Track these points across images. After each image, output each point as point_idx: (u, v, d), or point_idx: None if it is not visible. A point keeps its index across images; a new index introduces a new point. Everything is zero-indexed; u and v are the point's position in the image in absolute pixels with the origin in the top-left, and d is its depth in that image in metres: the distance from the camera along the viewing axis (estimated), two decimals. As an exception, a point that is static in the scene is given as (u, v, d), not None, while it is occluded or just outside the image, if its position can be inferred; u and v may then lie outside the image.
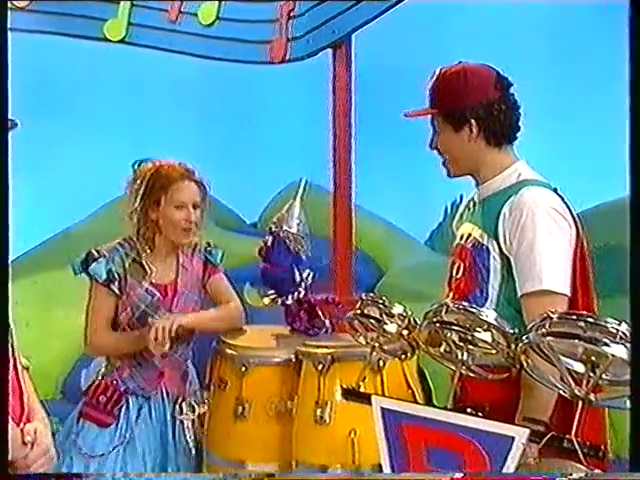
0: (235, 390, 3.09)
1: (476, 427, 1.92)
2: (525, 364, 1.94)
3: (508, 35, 6.43)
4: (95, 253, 3.25)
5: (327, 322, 3.36)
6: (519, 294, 2.55)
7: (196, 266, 3.39)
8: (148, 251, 3.29)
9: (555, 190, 2.63)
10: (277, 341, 3.32)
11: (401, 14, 3.75)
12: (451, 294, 2.74)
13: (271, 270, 3.42)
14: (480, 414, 1.94)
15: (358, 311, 2.35)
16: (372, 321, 2.30)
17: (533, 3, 5.97)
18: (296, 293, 3.41)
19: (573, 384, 1.83)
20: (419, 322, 2.16)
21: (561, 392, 1.90)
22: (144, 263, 3.29)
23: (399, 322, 2.23)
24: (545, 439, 1.82)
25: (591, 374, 1.79)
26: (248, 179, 7.02)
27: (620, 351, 1.72)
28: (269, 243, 3.41)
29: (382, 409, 2.10)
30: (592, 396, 1.81)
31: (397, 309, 2.25)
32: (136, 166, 3.32)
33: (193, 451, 3.29)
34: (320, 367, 2.99)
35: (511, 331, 1.98)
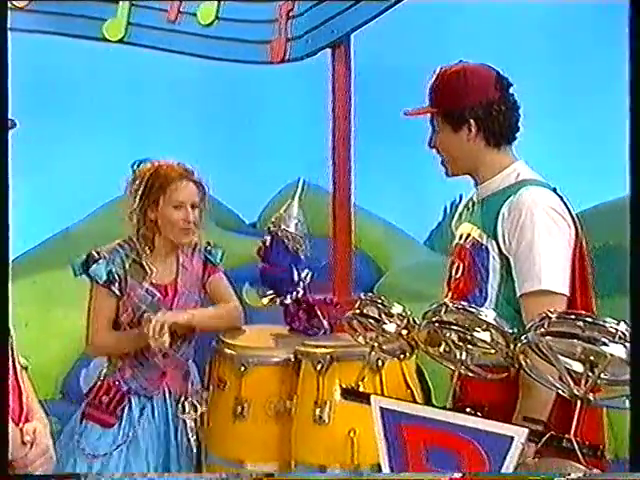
0: (234, 390, 3.09)
1: (475, 427, 1.92)
2: (524, 364, 1.94)
3: (508, 35, 6.43)
4: (95, 254, 3.26)
5: (325, 323, 3.36)
6: (518, 294, 2.55)
7: (196, 266, 3.40)
8: (148, 251, 3.30)
9: (554, 190, 2.63)
10: (276, 341, 3.33)
11: (400, 14, 3.75)
12: (450, 294, 2.74)
13: (270, 270, 3.42)
14: (479, 414, 1.94)
15: (357, 311, 2.34)
16: (371, 321, 2.30)
17: (533, 3, 5.97)
18: (295, 293, 3.41)
19: (572, 384, 1.83)
20: (418, 322, 2.16)
21: (560, 392, 1.90)
22: (144, 264, 3.29)
23: (398, 322, 2.23)
24: (544, 439, 1.82)
25: (590, 374, 1.79)
26: (247, 179, 7.01)
27: (619, 351, 1.72)
28: (267, 243, 3.41)
29: (381, 409, 2.10)
30: (591, 396, 1.81)
31: (396, 309, 2.25)
32: (135, 166, 3.33)
33: (195, 450, 3.30)
34: (319, 367, 2.99)
35: (510, 331, 1.98)
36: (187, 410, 3.28)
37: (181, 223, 3.25)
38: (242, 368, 3.08)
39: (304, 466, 3.00)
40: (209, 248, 3.43)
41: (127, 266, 3.27)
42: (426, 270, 5.58)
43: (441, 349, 2.13)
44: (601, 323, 1.75)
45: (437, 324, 2.07)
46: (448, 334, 2.06)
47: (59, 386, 5.79)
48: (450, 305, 2.06)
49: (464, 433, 1.93)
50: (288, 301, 3.41)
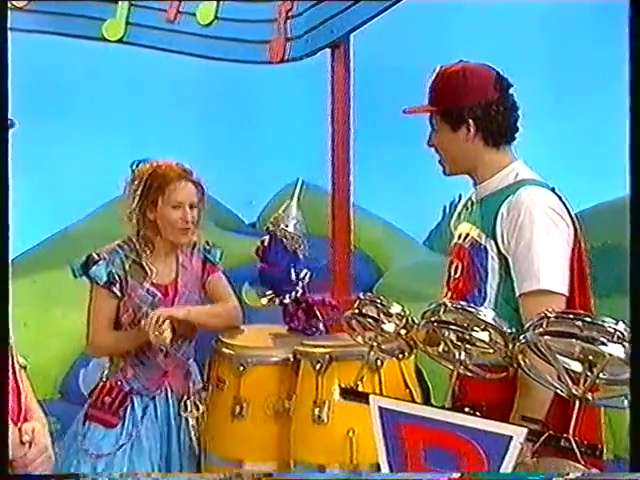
0: (233, 389, 3.09)
1: (474, 426, 1.92)
2: (523, 363, 1.94)
3: (508, 35, 6.43)
4: (95, 256, 3.26)
5: (321, 325, 3.36)
6: (517, 293, 2.55)
7: (195, 265, 3.40)
8: (148, 252, 3.30)
9: (553, 189, 2.63)
10: (275, 341, 3.33)
11: (399, 14, 3.75)
12: (449, 294, 2.74)
13: (268, 270, 3.42)
14: (478, 413, 1.94)
15: (356, 310, 2.34)
16: (370, 320, 2.30)
17: (533, 3, 5.97)
18: (294, 293, 3.41)
19: (570, 383, 1.83)
20: (417, 321, 2.16)
21: (558, 391, 1.90)
22: (144, 264, 3.30)
23: (397, 321, 2.23)
24: (542, 438, 1.83)
25: (588, 373, 1.79)
26: (247, 179, 7.02)
27: (617, 350, 1.72)
28: (266, 243, 3.42)
29: (380, 408, 2.10)
30: (589, 395, 1.81)
31: (395, 308, 2.25)
32: (134, 166, 3.33)
33: (197, 449, 3.30)
34: (318, 366, 2.99)
35: (509, 330, 1.98)
36: (189, 409, 3.29)
37: (180, 223, 3.25)
38: (241, 368, 3.09)
39: (303, 466, 3.00)
40: (208, 247, 3.43)
41: (127, 267, 3.28)
42: (425, 270, 5.58)
43: (440, 349, 2.13)
44: (600, 323, 1.75)
45: (436, 324, 2.07)
46: (447, 334, 2.06)
47: (58, 386, 5.79)
48: (449, 305, 2.06)
49: (463, 433, 1.93)
50: (287, 301, 3.41)
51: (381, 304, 2.28)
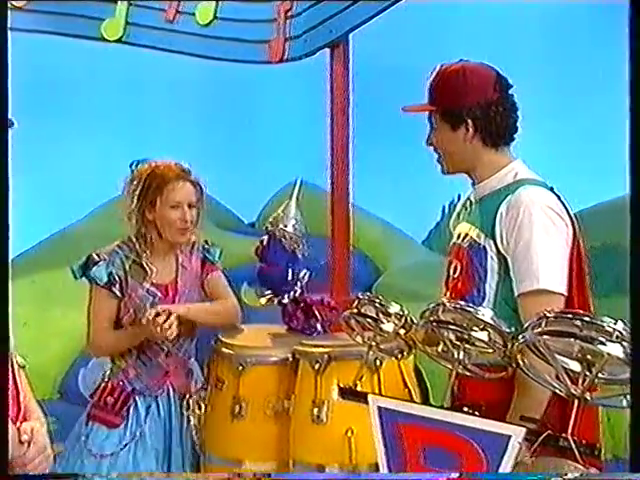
0: (232, 389, 3.09)
1: (473, 426, 1.92)
2: (521, 363, 1.94)
3: (507, 35, 6.43)
4: (95, 257, 3.26)
5: (319, 326, 3.36)
6: (516, 293, 2.55)
7: (195, 264, 3.41)
8: (147, 252, 3.30)
9: (552, 189, 2.63)
10: (274, 340, 3.33)
11: (398, 14, 3.75)
12: (448, 293, 2.74)
13: (267, 270, 3.42)
14: (477, 413, 1.94)
15: (355, 310, 2.34)
16: (369, 320, 2.30)
17: (532, 3, 5.97)
18: (293, 292, 3.41)
19: (569, 383, 1.83)
20: (416, 321, 2.16)
21: (557, 391, 1.90)
22: (144, 264, 3.30)
23: (396, 321, 2.23)
24: (541, 438, 1.83)
25: (587, 373, 1.79)
26: (246, 179, 7.02)
27: (616, 350, 1.72)
28: (265, 243, 3.42)
29: (379, 408, 2.10)
30: (588, 395, 1.81)
31: (394, 308, 2.25)
32: (133, 166, 3.33)
33: (198, 449, 3.30)
34: (317, 366, 2.99)
35: (508, 330, 1.99)
36: (191, 407, 3.30)
37: (178, 223, 3.25)
38: (240, 367, 3.09)
39: (302, 465, 3.00)
40: (207, 247, 3.44)
41: (127, 267, 3.28)
42: (424, 270, 5.58)
43: (439, 348, 2.13)
44: (598, 322, 1.75)
45: (435, 323, 2.07)
46: (446, 333, 2.07)
47: (57, 386, 5.80)
48: (448, 304, 2.06)
49: (462, 432, 1.93)
50: (286, 301, 3.41)
51: (380, 304, 2.28)
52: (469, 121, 2.63)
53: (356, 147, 4.01)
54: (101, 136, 6.95)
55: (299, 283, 3.41)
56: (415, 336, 2.18)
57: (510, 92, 2.68)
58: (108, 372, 3.34)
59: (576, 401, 1.82)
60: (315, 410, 2.95)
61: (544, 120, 5.20)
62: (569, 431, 1.80)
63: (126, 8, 4.37)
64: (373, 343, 2.33)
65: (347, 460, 2.92)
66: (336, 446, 2.93)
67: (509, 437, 1.86)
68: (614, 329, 1.73)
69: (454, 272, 2.73)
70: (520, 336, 1.90)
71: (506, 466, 1.86)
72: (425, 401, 2.93)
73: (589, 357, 1.77)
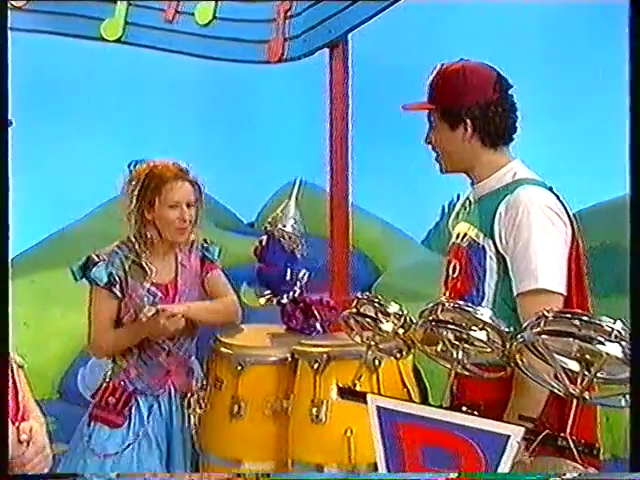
0: (231, 389, 3.09)
1: (472, 426, 1.92)
2: (520, 362, 1.94)
3: (507, 35, 6.43)
4: (95, 257, 3.26)
5: (318, 325, 3.36)
6: (515, 293, 2.55)
7: (194, 263, 3.41)
8: (147, 252, 3.30)
9: (551, 189, 2.63)
10: (273, 340, 3.33)
11: (398, 13, 3.75)
12: (447, 293, 2.74)
13: (266, 270, 3.43)
14: (476, 413, 1.94)
15: (354, 310, 2.35)
16: (368, 320, 2.30)
17: (532, 3, 5.97)
18: (292, 292, 3.41)
19: (568, 382, 1.83)
20: (415, 321, 2.16)
21: (556, 390, 1.90)
22: (144, 264, 3.30)
23: (395, 321, 2.23)
24: (540, 437, 1.83)
25: (586, 372, 1.79)
26: (246, 178, 7.02)
27: (615, 349, 1.72)
28: (264, 242, 3.42)
29: (378, 408, 2.10)
30: (587, 394, 1.81)
31: (393, 308, 2.25)
32: (132, 166, 3.34)
33: (198, 448, 3.31)
34: (316, 366, 2.99)
35: (506, 329, 1.99)
36: (192, 406, 3.30)
37: (177, 222, 3.26)
38: (239, 367, 3.08)
39: (301, 465, 3.00)
40: (206, 245, 3.44)
41: (127, 267, 3.28)
42: (423, 270, 5.58)
43: (438, 348, 2.13)
44: (597, 322, 1.75)
45: (434, 323, 2.07)
46: (445, 333, 2.07)
47: (56, 386, 5.80)
48: (446, 304, 2.07)
49: (461, 432, 1.93)
50: (285, 301, 3.41)
51: (379, 304, 2.28)
52: (468, 121, 2.63)
53: (355, 147, 4.01)
54: (101, 136, 6.95)
55: (298, 283, 3.41)
56: (414, 336, 2.18)
57: (510, 92, 2.67)
58: (109, 372, 3.35)
59: (575, 401, 1.82)
60: (314, 410, 2.95)
61: (544, 120, 5.20)
62: (568, 431, 1.80)
63: (125, 8, 4.37)
64: (372, 343, 2.33)
65: (346, 460, 2.92)
66: (335, 446, 2.93)
67: (508, 437, 1.86)
68: (613, 329, 1.73)
69: (453, 272, 2.73)
70: (519, 336, 1.90)
71: (505, 466, 1.86)
72: (424, 401, 2.93)
73: (588, 357, 1.77)
